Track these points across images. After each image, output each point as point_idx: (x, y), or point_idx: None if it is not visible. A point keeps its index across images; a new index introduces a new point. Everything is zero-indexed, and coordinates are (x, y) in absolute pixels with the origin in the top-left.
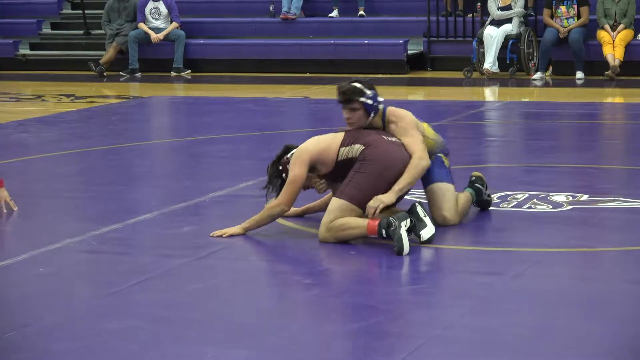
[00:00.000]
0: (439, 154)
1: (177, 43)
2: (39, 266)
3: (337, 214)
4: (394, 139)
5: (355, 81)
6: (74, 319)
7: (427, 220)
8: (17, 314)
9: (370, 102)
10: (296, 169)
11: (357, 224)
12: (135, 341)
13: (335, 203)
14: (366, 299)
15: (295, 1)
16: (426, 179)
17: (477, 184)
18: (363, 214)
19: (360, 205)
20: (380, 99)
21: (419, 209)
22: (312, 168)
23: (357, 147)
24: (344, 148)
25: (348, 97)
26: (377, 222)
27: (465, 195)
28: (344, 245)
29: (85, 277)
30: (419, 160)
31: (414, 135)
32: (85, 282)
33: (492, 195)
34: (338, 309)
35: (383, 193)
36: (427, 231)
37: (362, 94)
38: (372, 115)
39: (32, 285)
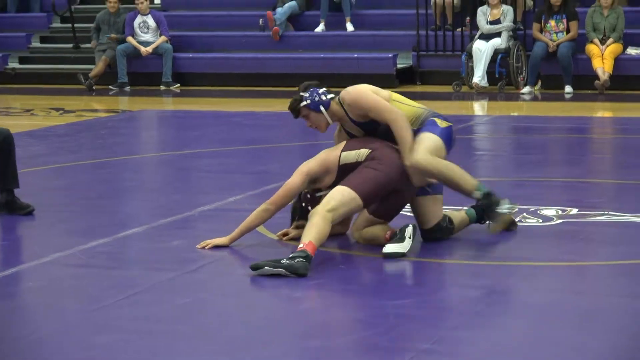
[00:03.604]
0: (432, 118)
1: (165, 57)
2: (28, 280)
3: (338, 199)
4: (397, 147)
5: (302, 87)
6: (63, 333)
7: (409, 242)
8: (7, 327)
9: (309, 101)
10: (294, 178)
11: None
12: (125, 355)
13: (338, 189)
14: (355, 313)
15: (280, 9)
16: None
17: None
18: (362, 207)
19: (363, 196)
20: (321, 90)
21: (410, 230)
22: (315, 180)
23: (364, 152)
24: (346, 152)
25: (293, 110)
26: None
27: (461, 215)
28: (334, 259)
29: (74, 291)
30: (394, 120)
31: (385, 111)
32: (75, 295)
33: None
34: (327, 322)
35: (387, 193)
36: (396, 248)
37: (300, 100)
38: (322, 109)
39: (22, 299)
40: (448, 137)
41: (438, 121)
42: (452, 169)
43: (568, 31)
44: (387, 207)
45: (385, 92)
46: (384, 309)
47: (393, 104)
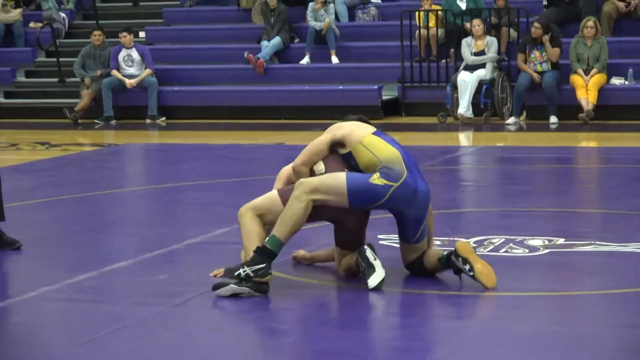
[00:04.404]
0: (374, 172)
1: (150, 90)
2: (15, 315)
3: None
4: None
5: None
6: None
7: (377, 263)
8: None
9: None
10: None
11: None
12: None
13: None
14: (343, 345)
15: (264, 48)
16: None
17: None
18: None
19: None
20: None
21: (369, 253)
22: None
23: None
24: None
25: None
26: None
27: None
28: (320, 291)
29: (61, 326)
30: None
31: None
32: (62, 330)
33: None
34: (315, 355)
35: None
36: (375, 277)
37: None
38: None
39: (8, 334)
40: (365, 192)
41: (376, 176)
42: (287, 215)
43: (552, 61)
44: (341, 239)
45: (359, 133)
46: (372, 341)
47: (357, 147)
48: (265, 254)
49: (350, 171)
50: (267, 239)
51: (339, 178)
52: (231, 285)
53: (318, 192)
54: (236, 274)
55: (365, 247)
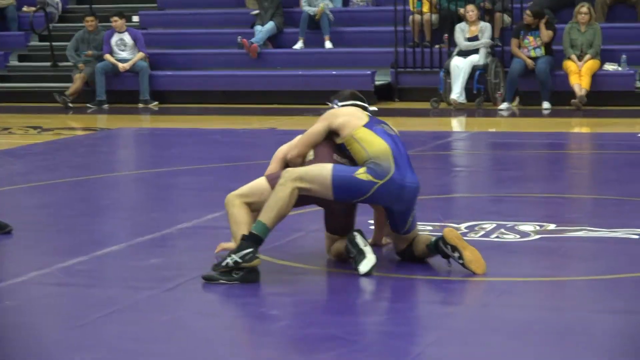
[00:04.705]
0: (361, 166)
1: (142, 75)
2: (5, 299)
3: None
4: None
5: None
6: (41, 352)
7: (368, 249)
8: None
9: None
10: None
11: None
12: None
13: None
14: (333, 330)
15: (258, 33)
16: None
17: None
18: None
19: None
20: (335, 102)
21: (359, 239)
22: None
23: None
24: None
25: None
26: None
27: (426, 238)
28: (311, 276)
29: (52, 310)
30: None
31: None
32: (53, 314)
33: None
34: (305, 340)
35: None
36: (366, 264)
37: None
38: None
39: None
40: (350, 186)
41: (362, 170)
42: (273, 201)
43: (546, 47)
44: (331, 225)
45: (352, 125)
46: (362, 326)
47: (349, 140)
48: (251, 240)
49: (342, 160)
50: (253, 225)
51: (325, 169)
52: (221, 281)
53: (303, 181)
54: (223, 264)
55: (355, 233)
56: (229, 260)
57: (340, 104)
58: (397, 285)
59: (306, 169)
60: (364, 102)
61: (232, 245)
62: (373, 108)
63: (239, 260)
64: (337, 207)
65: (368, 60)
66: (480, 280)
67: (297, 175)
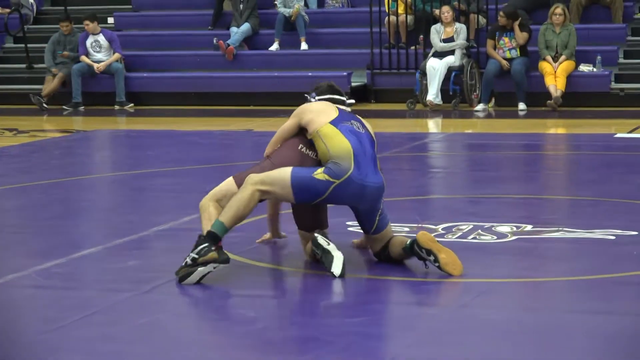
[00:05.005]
0: (321, 167)
1: (117, 76)
2: None
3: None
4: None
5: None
6: (18, 355)
7: (332, 247)
8: None
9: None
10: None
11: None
12: None
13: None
14: (310, 331)
15: (234, 35)
16: None
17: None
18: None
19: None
20: (313, 95)
21: (321, 239)
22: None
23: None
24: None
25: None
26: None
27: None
28: (288, 278)
29: (30, 313)
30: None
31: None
32: (30, 317)
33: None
34: (284, 342)
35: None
36: (337, 264)
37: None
38: None
39: None
40: (308, 187)
41: (319, 170)
42: (233, 202)
43: (521, 48)
44: (300, 221)
45: (318, 122)
46: (341, 327)
47: (314, 137)
48: (208, 237)
49: (308, 152)
50: (212, 223)
51: (285, 172)
52: (198, 269)
53: (264, 184)
54: (183, 263)
55: (316, 234)
56: (187, 259)
57: (317, 97)
58: (375, 287)
59: (267, 172)
60: (341, 95)
61: (268, 236)
62: (351, 101)
63: (196, 257)
64: (302, 205)
65: (344, 62)
66: (458, 282)
67: (258, 179)
